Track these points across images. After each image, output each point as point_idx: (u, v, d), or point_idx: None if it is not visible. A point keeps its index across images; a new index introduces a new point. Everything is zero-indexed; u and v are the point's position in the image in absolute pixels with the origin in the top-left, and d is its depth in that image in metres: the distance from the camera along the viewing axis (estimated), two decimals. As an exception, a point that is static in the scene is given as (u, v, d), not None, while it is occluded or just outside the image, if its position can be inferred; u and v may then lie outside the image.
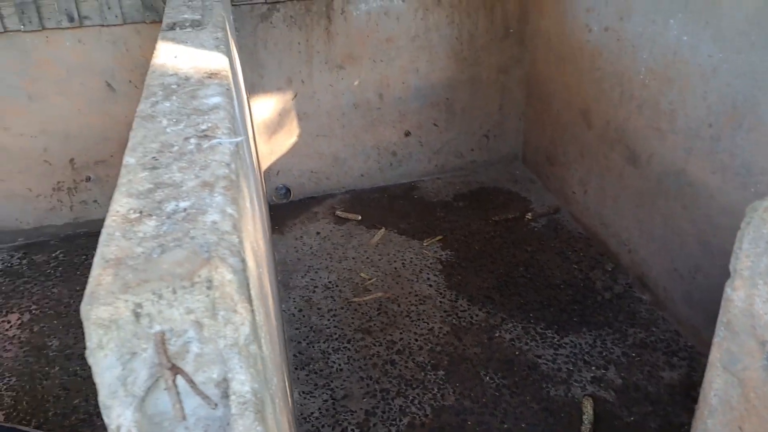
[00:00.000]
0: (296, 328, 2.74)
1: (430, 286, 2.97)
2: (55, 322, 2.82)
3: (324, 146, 3.69)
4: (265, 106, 3.47)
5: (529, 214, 3.49)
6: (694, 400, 2.31)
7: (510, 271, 3.06)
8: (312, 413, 2.33)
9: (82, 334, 2.75)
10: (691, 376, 2.43)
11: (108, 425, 0.83)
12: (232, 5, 3.16)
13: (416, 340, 2.65)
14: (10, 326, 2.80)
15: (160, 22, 3.02)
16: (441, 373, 2.48)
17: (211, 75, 1.54)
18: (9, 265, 3.24)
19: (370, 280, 3.03)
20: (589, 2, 2.99)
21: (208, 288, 0.82)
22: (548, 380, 2.43)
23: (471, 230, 3.40)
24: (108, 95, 3.22)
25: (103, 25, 3.05)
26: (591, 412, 2.26)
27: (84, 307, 0.78)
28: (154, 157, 1.15)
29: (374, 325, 2.74)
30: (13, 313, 2.89)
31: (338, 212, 3.59)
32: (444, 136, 3.87)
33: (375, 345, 2.63)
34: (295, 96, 3.50)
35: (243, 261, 0.88)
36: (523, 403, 2.34)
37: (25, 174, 3.29)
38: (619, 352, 2.55)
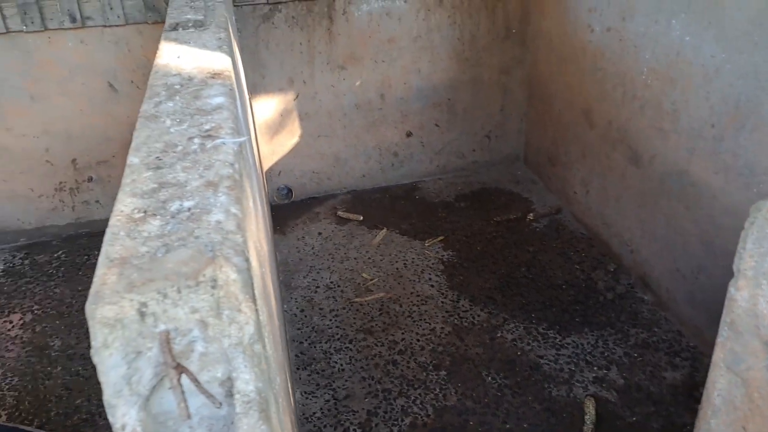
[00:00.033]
0: (298, 329, 2.74)
1: (432, 286, 2.97)
2: (57, 322, 2.82)
3: (325, 147, 3.69)
4: (266, 107, 3.48)
5: (531, 214, 3.49)
6: (697, 400, 2.31)
7: (512, 271, 3.06)
8: (314, 413, 2.33)
9: (84, 334, 2.74)
10: (693, 377, 2.42)
11: (113, 424, 0.83)
12: (234, 6, 3.16)
13: (418, 340, 2.65)
14: (13, 326, 2.80)
15: (162, 22, 3.03)
16: (443, 373, 2.48)
17: (214, 75, 1.54)
18: (11, 265, 3.25)
19: (371, 280, 3.03)
20: (591, 2, 2.99)
21: (213, 287, 0.82)
22: (550, 380, 2.43)
23: (473, 231, 3.40)
24: (110, 96, 3.22)
25: (105, 26, 3.05)
26: (593, 412, 2.26)
27: (89, 306, 0.78)
28: (158, 157, 1.15)
29: (376, 325, 2.74)
30: (15, 313, 2.89)
31: (340, 213, 3.59)
32: (445, 137, 3.87)
33: (377, 345, 2.63)
34: (297, 96, 3.51)
35: (247, 260, 0.88)
36: (525, 403, 2.34)
37: (27, 174, 3.29)
38: (621, 352, 2.55)
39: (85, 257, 3.29)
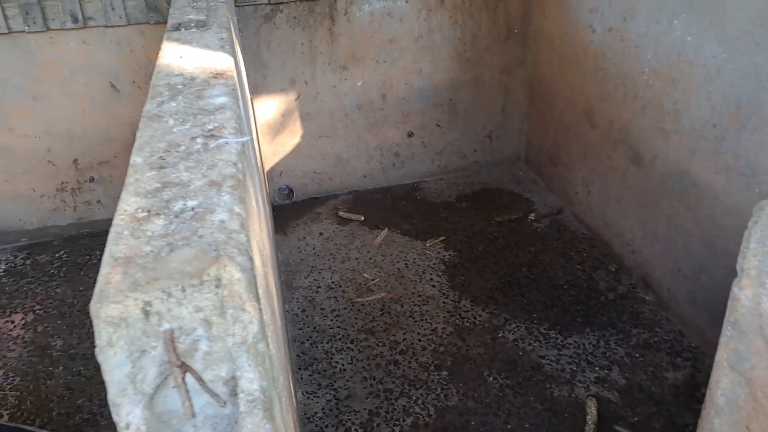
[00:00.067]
0: (299, 329, 2.74)
1: (433, 286, 2.97)
2: (58, 322, 2.83)
3: (327, 147, 3.70)
4: (268, 107, 3.48)
5: (532, 214, 3.49)
6: (698, 400, 2.31)
7: (513, 271, 3.06)
8: (315, 413, 2.33)
9: (86, 334, 2.74)
10: (695, 377, 2.42)
11: (117, 423, 0.83)
12: (236, 6, 3.17)
13: (419, 340, 2.65)
14: (14, 326, 2.81)
15: (164, 23, 3.03)
16: (444, 373, 2.48)
17: (217, 75, 1.54)
18: (13, 265, 3.25)
19: (373, 280, 3.03)
20: (592, 3, 2.99)
21: (217, 286, 0.83)
22: (552, 381, 2.43)
23: (474, 231, 3.40)
24: (112, 96, 3.22)
25: (107, 26, 3.06)
26: (595, 412, 2.26)
27: (94, 305, 0.78)
28: (161, 157, 1.15)
29: (377, 325, 2.74)
30: (17, 313, 2.89)
31: (341, 213, 3.59)
32: (447, 137, 3.87)
33: (378, 345, 2.63)
34: (298, 97, 3.51)
35: (251, 259, 0.88)
36: (527, 403, 2.34)
37: (29, 174, 3.30)
38: (622, 352, 2.54)
39: (87, 257, 3.29)
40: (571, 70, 3.28)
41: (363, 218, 3.53)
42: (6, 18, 2.90)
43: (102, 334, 0.79)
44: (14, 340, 2.73)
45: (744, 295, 1.25)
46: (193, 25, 1.95)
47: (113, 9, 3.01)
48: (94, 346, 0.81)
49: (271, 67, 3.39)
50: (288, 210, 3.67)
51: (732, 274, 1.30)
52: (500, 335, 2.66)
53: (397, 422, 2.28)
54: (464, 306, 2.83)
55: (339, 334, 2.70)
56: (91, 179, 3.39)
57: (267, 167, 3.64)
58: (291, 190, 3.74)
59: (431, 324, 2.73)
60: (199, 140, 1.21)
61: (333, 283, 3.03)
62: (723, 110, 2.26)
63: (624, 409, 2.30)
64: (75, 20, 2.99)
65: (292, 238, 3.40)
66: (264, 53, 3.34)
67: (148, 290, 0.79)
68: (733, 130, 2.23)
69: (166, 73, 1.57)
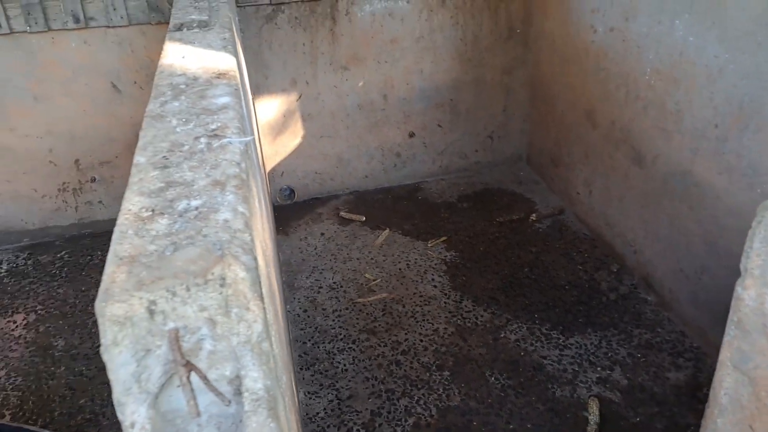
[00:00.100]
0: (301, 329, 2.74)
1: (435, 287, 2.97)
2: (60, 322, 2.83)
3: (328, 147, 3.70)
4: (269, 107, 3.48)
5: (534, 215, 3.49)
6: (700, 400, 2.31)
7: (515, 272, 3.06)
8: (317, 413, 2.33)
9: (88, 334, 2.74)
10: (697, 377, 2.42)
11: (122, 422, 0.83)
12: (237, 6, 3.17)
13: (421, 340, 2.65)
14: (16, 326, 2.81)
15: (166, 23, 3.04)
16: (446, 373, 2.48)
17: (220, 75, 1.54)
18: (14, 265, 3.25)
19: (374, 280, 3.03)
20: (594, 3, 3.00)
21: (221, 285, 0.83)
22: (554, 381, 2.42)
23: (475, 231, 3.40)
24: (113, 96, 3.23)
25: (108, 26, 3.06)
26: (597, 412, 2.26)
27: (99, 304, 0.78)
28: (164, 156, 1.15)
29: (379, 325, 2.74)
30: (18, 313, 2.89)
31: (342, 213, 3.59)
32: (448, 137, 3.87)
33: (380, 345, 2.63)
34: (300, 97, 3.51)
35: (255, 259, 0.88)
36: (529, 403, 2.34)
37: (30, 175, 3.30)
38: (624, 352, 2.54)
39: (88, 257, 3.29)
40: (572, 71, 3.28)
41: (364, 218, 3.53)
42: (8, 18, 2.91)
43: (107, 333, 0.79)
44: (16, 340, 2.73)
45: (747, 294, 1.25)
46: (195, 25, 1.95)
47: (115, 9, 3.01)
48: (97, 346, 0.81)
49: (272, 68, 3.39)
50: (289, 210, 3.67)
51: (734, 274, 1.30)
52: (502, 335, 2.66)
53: (399, 422, 2.28)
54: (466, 306, 2.83)
55: (341, 334, 2.70)
56: (93, 179, 3.40)
57: (268, 167, 3.64)
58: (292, 191, 3.74)
59: (433, 324, 2.73)
60: (202, 140, 1.21)
61: (334, 283, 3.03)
62: (725, 110, 2.26)
63: (626, 410, 2.30)
64: (76, 20, 2.99)
65: (293, 239, 3.40)
66: (265, 53, 3.35)
67: (152, 289, 0.79)
68: (735, 130, 2.23)
69: (168, 72, 1.57)
